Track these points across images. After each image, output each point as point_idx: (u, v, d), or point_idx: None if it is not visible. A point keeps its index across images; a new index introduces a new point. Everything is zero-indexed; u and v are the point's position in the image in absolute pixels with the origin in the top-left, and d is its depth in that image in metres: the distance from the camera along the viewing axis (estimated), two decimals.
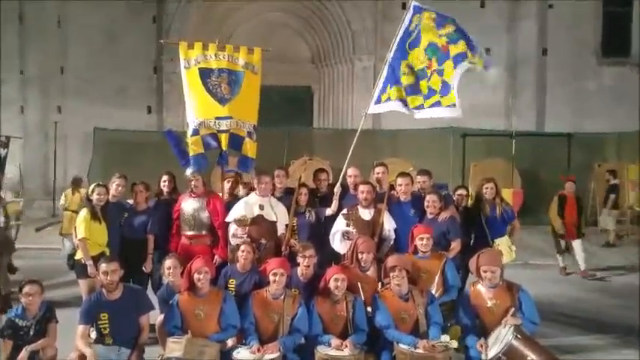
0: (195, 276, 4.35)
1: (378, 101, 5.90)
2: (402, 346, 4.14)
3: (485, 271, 4.38)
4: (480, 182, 6.10)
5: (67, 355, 4.15)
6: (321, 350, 4.17)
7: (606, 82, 14.65)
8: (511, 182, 11.68)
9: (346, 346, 4.15)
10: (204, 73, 5.61)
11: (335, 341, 4.23)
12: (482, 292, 4.41)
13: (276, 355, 4.13)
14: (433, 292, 4.75)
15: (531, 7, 14.87)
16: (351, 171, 6.07)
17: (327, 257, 5.46)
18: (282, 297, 4.43)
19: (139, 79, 15.34)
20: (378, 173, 6.11)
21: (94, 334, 4.30)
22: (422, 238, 4.91)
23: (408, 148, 12.91)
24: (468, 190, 6.32)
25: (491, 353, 3.99)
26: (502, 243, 5.74)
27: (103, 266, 4.25)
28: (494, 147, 12.93)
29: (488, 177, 6.16)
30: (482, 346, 4.15)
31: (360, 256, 4.80)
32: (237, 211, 5.42)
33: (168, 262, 4.73)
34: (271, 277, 4.42)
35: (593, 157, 13.10)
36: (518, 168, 12.35)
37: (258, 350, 4.12)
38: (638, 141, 12.02)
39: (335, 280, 4.38)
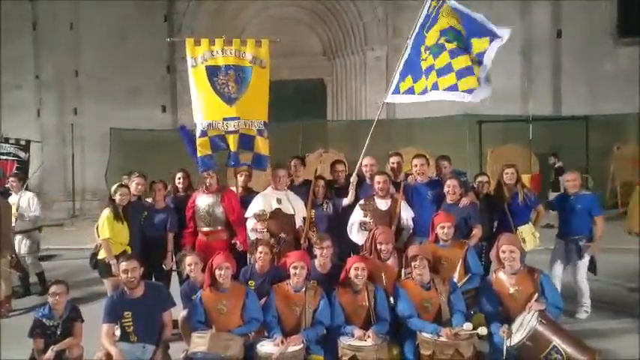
0: (217, 272, 4.37)
1: (397, 91, 5.83)
2: (425, 334, 4.12)
3: (504, 252, 4.34)
4: (501, 168, 6.04)
5: (93, 355, 4.18)
6: (343, 341, 4.17)
7: (622, 63, 14.37)
8: (529, 167, 11.57)
9: (369, 337, 4.14)
10: (212, 72, 5.56)
11: (358, 332, 4.23)
12: (504, 278, 4.38)
13: (299, 347, 4.14)
14: (455, 280, 4.73)
15: None
16: (366, 160, 6.07)
17: (346, 248, 5.50)
18: (304, 290, 4.43)
19: (153, 78, 15.47)
20: (393, 163, 6.09)
21: (118, 332, 4.33)
22: (443, 227, 4.88)
23: (423, 137, 12.85)
24: (488, 177, 6.27)
25: (516, 339, 3.96)
26: (525, 230, 5.71)
27: (123, 265, 4.27)
28: (511, 133, 12.80)
29: (509, 163, 6.11)
30: (504, 332, 4.12)
31: (378, 246, 4.79)
32: (256, 205, 5.43)
33: (189, 259, 4.76)
34: (292, 271, 4.43)
35: (611, 139, 12.89)
36: (536, 153, 12.23)
37: (282, 343, 4.14)
38: None
39: (355, 269, 4.38)
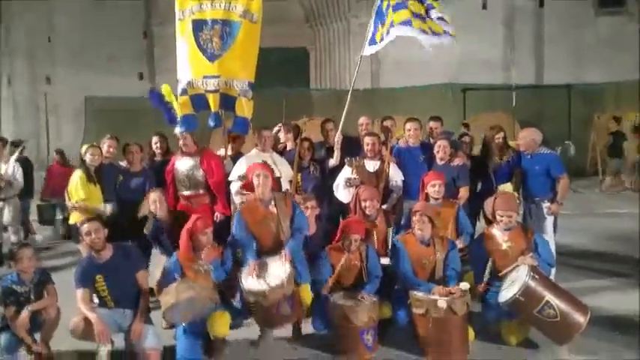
0: (201, 237, 4.13)
1: (373, 42, 5.68)
2: (418, 293, 4.07)
3: (501, 216, 4.28)
4: (490, 131, 5.96)
5: (69, 320, 3.96)
6: (336, 300, 4.09)
7: (604, 32, 14.42)
8: (513, 135, 11.55)
9: (363, 298, 4.08)
10: (197, 26, 5.26)
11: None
12: (497, 234, 4.32)
13: (284, 275, 3.93)
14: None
15: None
16: (362, 119, 6.08)
17: (335, 211, 5.42)
18: (273, 202, 4.28)
19: (129, 45, 14.99)
20: (386, 125, 6.09)
21: (96, 300, 4.15)
22: (434, 185, 4.81)
23: (407, 105, 12.69)
24: (471, 137, 6.22)
25: (509, 294, 3.93)
26: (506, 187, 5.60)
27: (85, 227, 4.01)
28: (495, 100, 12.82)
29: (496, 125, 6.02)
30: (482, 287, 4.17)
31: (362, 204, 4.68)
32: (240, 168, 5.26)
33: (153, 195, 4.63)
34: (255, 181, 4.27)
35: (592, 107, 12.97)
36: (519, 120, 12.23)
37: (256, 268, 3.99)
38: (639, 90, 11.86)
39: (356, 240, 4.27)
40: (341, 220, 4.84)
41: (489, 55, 13.92)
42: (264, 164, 4.54)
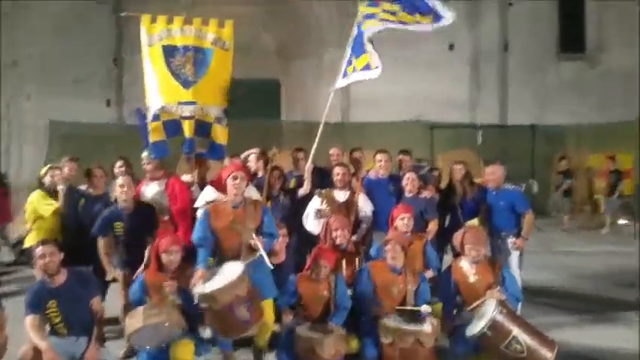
0: (164, 257, 4.05)
1: (345, 75, 5.75)
2: (387, 321, 4.01)
3: (470, 249, 4.29)
4: (450, 165, 6.06)
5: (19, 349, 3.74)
6: (300, 332, 3.98)
7: (565, 76, 14.98)
8: (478, 172, 11.76)
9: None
10: (168, 51, 5.24)
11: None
12: (465, 267, 4.33)
13: (235, 275, 3.80)
14: None
15: (493, 5, 15.08)
16: (333, 150, 6.17)
17: (305, 240, 5.34)
18: (242, 205, 4.21)
19: (98, 70, 14.78)
20: (355, 157, 6.16)
21: (48, 328, 3.94)
22: (403, 218, 4.80)
23: (376, 140, 12.77)
24: (439, 172, 6.32)
25: (476, 328, 3.90)
26: (473, 222, 5.64)
27: (40, 249, 3.86)
28: (461, 138, 13.03)
29: (458, 160, 6.12)
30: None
31: (333, 233, 4.65)
32: (207, 195, 5.17)
33: (121, 180, 4.60)
34: (230, 182, 4.19)
35: (555, 148, 13.34)
36: (484, 158, 12.45)
37: (202, 275, 3.91)
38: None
39: (324, 267, 4.21)
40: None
41: (456, 94, 14.25)
42: (243, 166, 4.59)
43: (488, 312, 3.94)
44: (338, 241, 4.65)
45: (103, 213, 4.81)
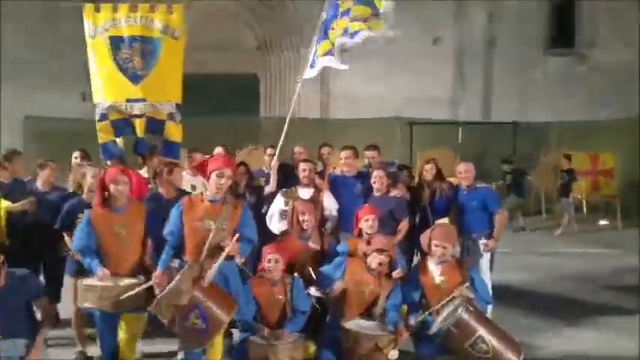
0: (113, 188, 3.81)
1: (313, 64, 5.54)
2: (347, 324, 3.84)
3: (437, 246, 4.09)
4: (420, 163, 5.88)
5: None
6: (253, 340, 3.76)
7: (551, 72, 14.84)
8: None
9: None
10: (114, 43, 4.93)
11: (265, 332, 3.82)
12: (431, 267, 4.14)
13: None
14: None
15: None
16: (297, 149, 5.92)
17: (268, 239, 5.13)
18: (221, 202, 3.81)
19: (72, 64, 14.42)
20: (323, 153, 5.90)
21: None
22: (367, 220, 4.56)
23: (355, 137, 12.60)
24: (410, 171, 6.13)
25: (442, 325, 3.73)
26: (443, 222, 5.47)
27: None
28: (442, 136, 12.91)
29: (428, 158, 5.94)
30: (416, 319, 3.96)
31: (300, 218, 4.43)
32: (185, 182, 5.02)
33: (92, 171, 4.34)
34: (214, 178, 3.76)
35: (538, 145, 13.20)
36: (465, 157, 12.32)
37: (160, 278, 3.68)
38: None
39: (268, 261, 3.97)
40: None
41: (438, 90, 14.09)
42: (231, 161, 4.14)
43: (453, 308, 3.77)
44: (304, 226, 4.43)
45: (65, 206, 4.48)
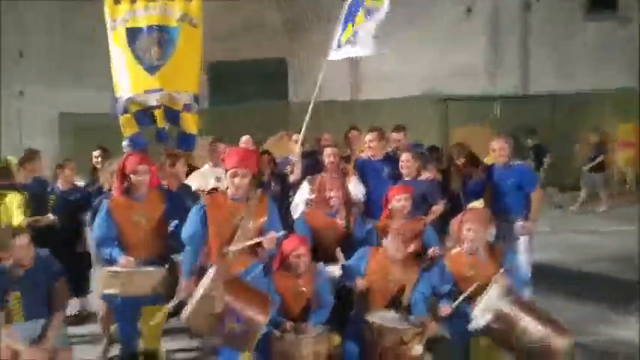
0: (133, 178, 3.77)
1: (338, 45, 5.33)
2: (372, 317, 3.67)
3: (469, 230, 3.84)
4: (454, 148, 5.63)
5: None
6: (276, 333, 3.64)
7: (592, 38, 14.04)
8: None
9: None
10: (132, 35, 4.89)
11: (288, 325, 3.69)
12: (462, 257, 3.91)
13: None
14: None
15: None
16: (324, 136, 5.90)
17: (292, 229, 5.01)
18: (246, 199, 3.60)
19: (106, 59, 14.58)
20: (350, 137, 5.77)
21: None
22: (399, 200, 4.37)
23: (386, 118, 12.34)
24: (440, 152, 5.90)
25: (481, 321, 3.51)
26: (476, 205, 5.21)
27: (19, 241, 3.64)
28: (477, 112, 12.43)
29: (461, 143, 5.67)
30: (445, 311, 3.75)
31: (327, 194, 4.28)
32: (192, 184, 4.93)
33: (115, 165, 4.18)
34: (229, 179, 3.57)
35: (579, 117, 12.59)
36: (503, 132, 11.87)
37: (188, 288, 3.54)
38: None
39: (296, 256, 3.79)
40: None
41: (472, 63, 13.45)
42: (249, 156, 3.68)
43: (492, 302, 3.54)
44: (331, 203, 4.28)
45: (95, 205, 4.48)
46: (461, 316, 3.70)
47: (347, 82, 13.48)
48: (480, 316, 3.56)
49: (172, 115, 4.93)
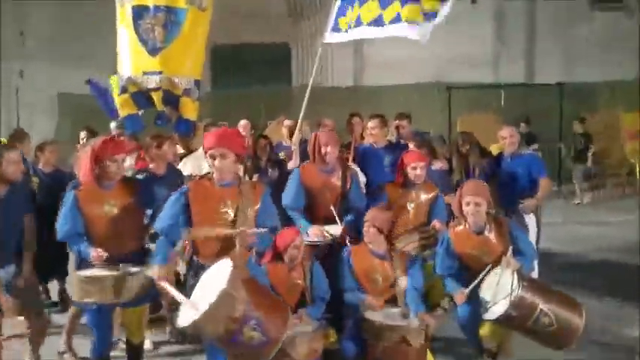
0: (110, 165, 3.38)
1: (336, 29, 5.12)
2: (370, 315, 3.51)
3: (468, 204, 3.66)
4: (455, 138, 5.47)
5: None
6: None
7: (599, 28, 13.77)
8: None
9: (300, 320, 3.46)
10: (137, 13, 4.63)
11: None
12: (466, 235, 3.72)
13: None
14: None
15: None
16: (324, 121, 5.75)
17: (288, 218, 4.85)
18: (237, 185, 3.23)
19: (107, 41, 14.36)
20: (352, 122, 5.58)
21: None
22: (415, 167, 4.22)
23: (390, 105, 12.15)
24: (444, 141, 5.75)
25: (498, 310, 3.35)
26: None
27: (10, 155, 3.48)
28: (482, 100, 12.24)
29: (467, 132, 5.51)
30: (461, 296, 3.60)
31: (323, 150, 4.06)
32: (184, 169, 4.79)
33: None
34: (209, 161, 3.25)
35: (585, 107, 12.39)
36: (508, 121, 11.69)
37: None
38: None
39: (294, 247, 3.60)
40: None
41: (477, 51, 13.24)
42: (228, 136, 3.29)
43: (507, 289, 3.36)
44: (327, 159, 4.06)
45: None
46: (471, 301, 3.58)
47: (350, 68, 13.27)
48: (496, 304, 3.41)
49: (172, 100, 4.75)
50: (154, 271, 3.19)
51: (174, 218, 3.21)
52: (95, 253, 3.31)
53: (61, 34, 13.92)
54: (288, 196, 4.12)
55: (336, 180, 4.10)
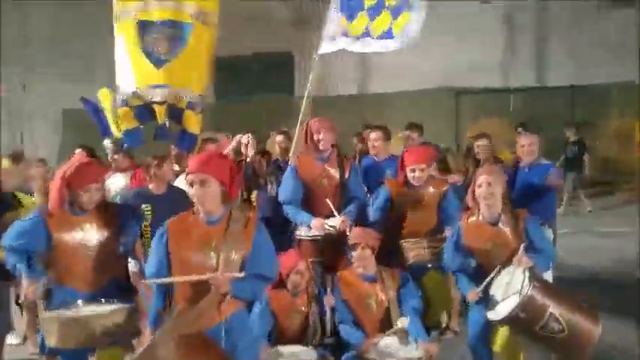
0: (84, 195, 3.03)
1: (332, 38, 4.94)
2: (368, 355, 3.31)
3: (480, 185, 3.34)
4: (471, 140, 5.19)
5: None
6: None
7: (610, 30, 13.46)
8: (511, 143, 10.76)
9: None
10: (143, 28, 4.50)
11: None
12: (479, 226, 3.42)
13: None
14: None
15: None
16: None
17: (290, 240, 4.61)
18: (225, 221, 2.72)
19: (111, 56, 14.31)
20: (364, 135, 5.62)
21: None
22: (413, 170, 4.00)
23: (396, 113, 11.96)
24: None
25: (504, 309, 3.09)
26: None
27: None
28: (491, 106, 11.96)
29: (481, 132, 5.24)
30: (474, 296, 3.33)
31: (315, 137, 3.89)
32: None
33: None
34: (188, 187, 2.91)
35: (597, 111, 12.06)
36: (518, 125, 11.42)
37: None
38: None
39: (297, 273, 3.42)
40: None
41: (487, 55, 12.93)
42: (213, 161, 2.81)
43: (516, 287, 3.11)
44: (321, 147, 3.88)
45: None
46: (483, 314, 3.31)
47: (353, 76, 13.09)
48: (503, 304, 3.17)
49: (176, 113, 4.59)
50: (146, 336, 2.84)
51: (161, 264, 2.78)
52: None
53: (64, 46, 13.88)
54: (284, 191, 3.99)
55: (333, 168, 3.95)
